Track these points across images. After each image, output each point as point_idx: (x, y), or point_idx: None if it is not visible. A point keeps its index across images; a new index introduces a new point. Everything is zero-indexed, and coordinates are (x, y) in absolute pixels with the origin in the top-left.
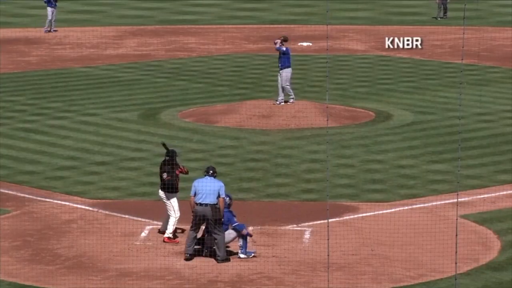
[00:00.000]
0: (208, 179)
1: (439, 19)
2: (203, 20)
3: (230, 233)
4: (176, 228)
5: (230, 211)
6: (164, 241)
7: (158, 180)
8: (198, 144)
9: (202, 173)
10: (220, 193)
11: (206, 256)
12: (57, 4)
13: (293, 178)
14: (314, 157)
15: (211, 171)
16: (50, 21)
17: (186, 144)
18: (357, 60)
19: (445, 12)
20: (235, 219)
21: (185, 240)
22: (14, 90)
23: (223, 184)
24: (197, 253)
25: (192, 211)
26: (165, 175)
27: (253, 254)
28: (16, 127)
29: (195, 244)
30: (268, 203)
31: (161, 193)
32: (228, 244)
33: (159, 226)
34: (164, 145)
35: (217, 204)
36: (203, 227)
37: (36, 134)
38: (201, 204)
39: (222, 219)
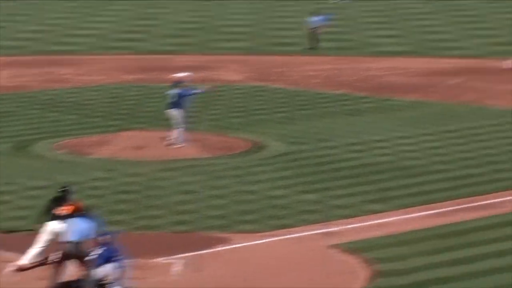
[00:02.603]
0: (76, 219)
1: (314, 48)
2: (80, 50)
3: (106, 267)
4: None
5: (113, 247)
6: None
7: (29, 213)
8: (69, 176)
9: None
10: (89, 234)
11: None
12: None
13: (165, 210)
14: (187, 188)
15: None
16: None
17: (58, 176)
18: (233, 91)
19: (316, 42)
20: (118, 253)
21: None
22: None
23: (93, 225)
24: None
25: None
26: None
27: None
28: None
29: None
30: (139, 235)
31: (50, 225)
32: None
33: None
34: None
35: (81, 241)
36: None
37: None
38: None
39: (88, 256)
